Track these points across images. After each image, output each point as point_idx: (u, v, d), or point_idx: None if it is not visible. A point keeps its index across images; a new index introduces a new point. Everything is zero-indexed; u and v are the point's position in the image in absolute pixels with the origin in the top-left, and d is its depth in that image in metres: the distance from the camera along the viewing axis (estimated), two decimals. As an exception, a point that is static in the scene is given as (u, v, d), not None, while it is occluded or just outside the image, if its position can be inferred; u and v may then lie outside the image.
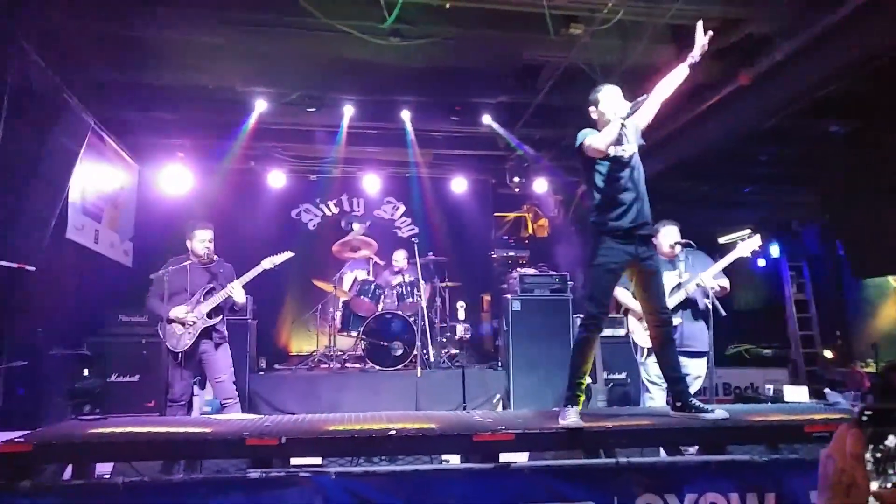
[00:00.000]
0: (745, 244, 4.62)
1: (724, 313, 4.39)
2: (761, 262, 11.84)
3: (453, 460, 3.39)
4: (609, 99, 3.70)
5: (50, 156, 4.72)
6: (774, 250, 11.12)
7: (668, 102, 6.28)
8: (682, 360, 4.58)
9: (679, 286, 4.71)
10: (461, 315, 6.96)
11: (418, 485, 2.72)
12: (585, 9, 4.79)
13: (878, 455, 0.83)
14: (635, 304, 4.59)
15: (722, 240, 12.43)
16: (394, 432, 2.84)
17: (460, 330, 7.09)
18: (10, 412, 5.23)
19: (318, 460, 3.22)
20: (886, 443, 0.83)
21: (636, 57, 5.39)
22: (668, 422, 3.30)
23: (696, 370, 4.70)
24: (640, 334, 4.78)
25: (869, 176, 5.35)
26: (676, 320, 4.60)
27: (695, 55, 3.57)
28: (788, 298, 10.45)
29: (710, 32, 3.62)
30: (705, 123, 6.02)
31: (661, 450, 3.38)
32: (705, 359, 4.66)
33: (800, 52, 4.37)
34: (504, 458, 2.89)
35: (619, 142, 3.61)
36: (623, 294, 4.80)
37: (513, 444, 2.86)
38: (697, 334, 4.68)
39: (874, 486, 0.83)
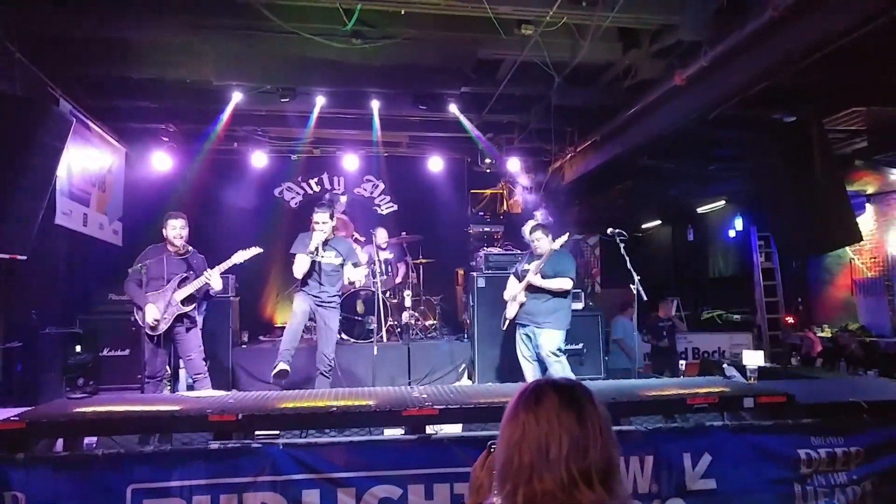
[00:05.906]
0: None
1: (645, 298, 4.92)
2: (732, 234, 12.32)
3: (398, 433, 3.83)
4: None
5: (35, 153, 5.06)
6: (739, 223, 11.56)
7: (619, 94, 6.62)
8: (534, 330, 5.71)
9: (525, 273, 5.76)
10: (407, 303, 7.37)
11: (355, 453, 3.21)
12: (531, 14, 5.14)
13: None
14: (515, 290, 5.92)
15: (700, 210, 12.90)
16: (334, 409, 3.32)
17: (406, 316, 7.53)
18: (10, 387, 5.74)
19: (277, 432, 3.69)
20: None
21: (586, 53, 5.74)
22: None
23: (545, 342, 5.61)
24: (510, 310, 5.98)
25: (796, 164, 5.74)
26: (522, 297, 5.74)
27: None
28: (756, 267, 10.87)
29: None
30: (654, 113, 6.40)
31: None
32: (548, 330, 5.58)
33: (723, 56, 4.77)
34: (431, 429, 3.39)
35: None
36: (510, 281, 6.07)
37: (437, 417, 3.34)
38: (537, 310, 5.68)
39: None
